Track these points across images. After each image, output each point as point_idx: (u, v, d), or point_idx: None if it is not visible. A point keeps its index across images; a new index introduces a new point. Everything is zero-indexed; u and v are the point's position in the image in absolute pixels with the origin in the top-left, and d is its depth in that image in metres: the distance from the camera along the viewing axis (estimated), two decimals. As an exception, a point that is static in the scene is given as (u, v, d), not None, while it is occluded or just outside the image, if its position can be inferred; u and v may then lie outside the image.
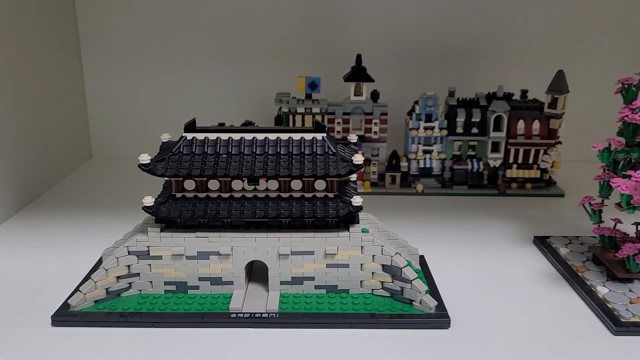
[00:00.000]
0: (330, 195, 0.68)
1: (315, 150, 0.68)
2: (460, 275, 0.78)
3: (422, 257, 0.80)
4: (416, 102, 1.08)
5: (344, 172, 0.66)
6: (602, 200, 0.76)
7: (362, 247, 0.68)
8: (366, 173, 1.11)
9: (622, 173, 0.71)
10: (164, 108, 1.32)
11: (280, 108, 1.08)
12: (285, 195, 0.68)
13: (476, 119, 1.08)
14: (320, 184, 0.68)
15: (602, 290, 0.72)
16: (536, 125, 1.06)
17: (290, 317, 0.65)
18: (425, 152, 1.10)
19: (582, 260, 0.79)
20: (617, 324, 0.65)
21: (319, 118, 1.07)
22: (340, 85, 1.11)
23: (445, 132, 1.09)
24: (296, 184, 0.68)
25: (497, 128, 1.08)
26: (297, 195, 0.68)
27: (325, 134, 0.69)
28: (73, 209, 1.00)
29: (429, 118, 1.08)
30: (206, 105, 1.26)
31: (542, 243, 0.86)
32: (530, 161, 1.09)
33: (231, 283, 0.69)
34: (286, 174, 0.66)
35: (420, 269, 0.77)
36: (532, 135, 1.07)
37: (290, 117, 1.08)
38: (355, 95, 1.07)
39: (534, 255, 0.84)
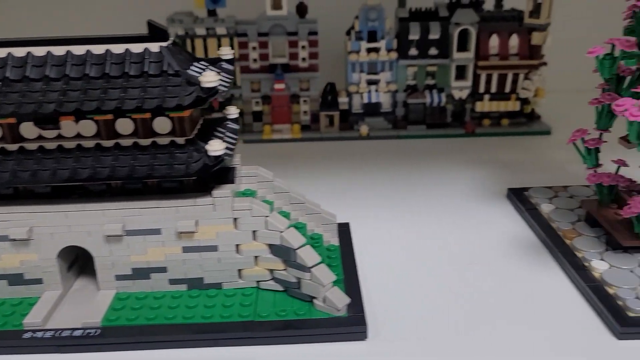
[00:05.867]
0: (180, 141, 0.49)
1: (146, 70, 0.48)
2: (399, 251, 0.61)
3: (344, 226, 0.63)
4: (357, 17, 0.92)
5: (186, 102, 0.45)
6: (600, 135, 0.61)
7: (235, 219, 0.50)
8: (295, 114, 0.95)
9: (630, 91, 0.55)
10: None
11: (174, 33, 0.90)
12: (108, 143, 0.49)
13: (435, 35, 0.91)
14: (162, 124, 0.49)
15: (599, 266, 0.56)
16: (514, 41, 0.91)
17: (119, 333, 0.47)
18: (370, 82, 0.94)
19: (572, 221, 0.64)
20: (622, 322, 0.48)
21: (225, 42, 0.91)
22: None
23: (394, 55, 0.92)
24: (124, 126, 0.49)
25: (462, 47, 0.93)
26: (126, 143, 0.49)
27: (165, 44, 0.47)
28: None
29: (372, 37, 0.91)
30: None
31: (519, 197, 0.70)
32: (507, 90, 0.94)
33: (39, 282, 0.51)
34: (92, 109, 0.46)
35: (338, 245, 0.60)
36: (508, 55, 0.92)
37: (188, 41, 0.90)
38: (273, 9, 0.90)
39: (506, 215, 0.69)
